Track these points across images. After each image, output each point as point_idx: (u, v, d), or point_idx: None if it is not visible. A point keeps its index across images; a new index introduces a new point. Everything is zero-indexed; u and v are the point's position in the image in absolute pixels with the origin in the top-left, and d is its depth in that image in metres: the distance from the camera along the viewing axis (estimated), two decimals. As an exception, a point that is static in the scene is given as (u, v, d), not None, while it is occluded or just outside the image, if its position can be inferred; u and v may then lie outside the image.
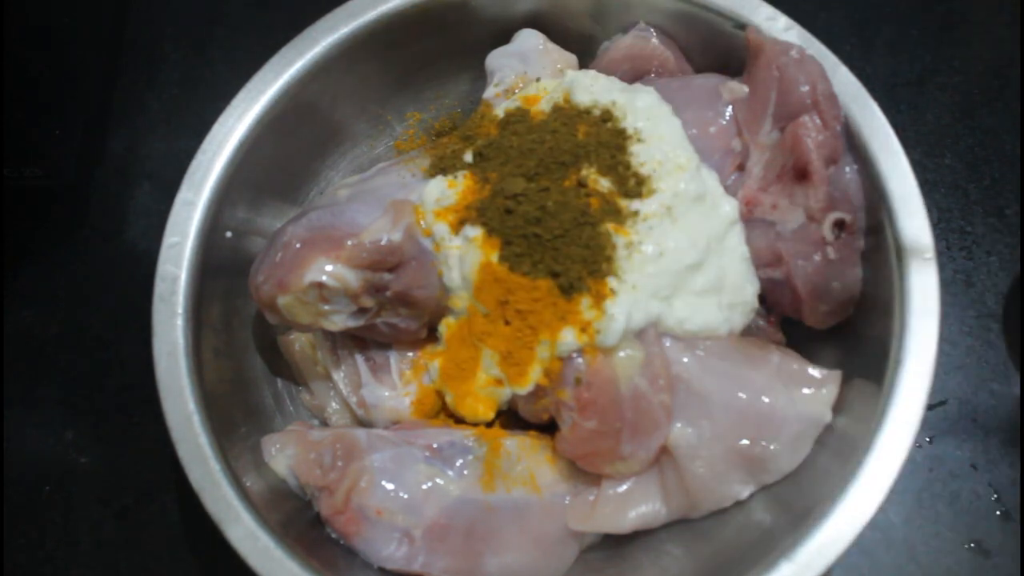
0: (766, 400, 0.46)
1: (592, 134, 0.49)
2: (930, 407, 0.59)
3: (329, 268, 0.47)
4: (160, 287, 0.49)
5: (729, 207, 0.49)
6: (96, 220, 0.68)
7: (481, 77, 0.56)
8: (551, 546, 0.48)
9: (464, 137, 0.52)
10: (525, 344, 0.47)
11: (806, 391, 0.47)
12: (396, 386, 0.52)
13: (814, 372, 0.48)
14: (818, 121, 0.48)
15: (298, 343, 0.55)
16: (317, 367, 0.54)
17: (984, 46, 0.70)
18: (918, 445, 0.58)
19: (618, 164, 0.48)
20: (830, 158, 0.48)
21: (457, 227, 0.49)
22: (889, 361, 0.45)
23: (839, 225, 0.49)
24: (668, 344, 0.47)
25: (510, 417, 0.51)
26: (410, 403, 0.52)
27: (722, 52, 0.54)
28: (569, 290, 0.46)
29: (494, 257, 0.47)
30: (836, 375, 0.48)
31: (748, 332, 0.50)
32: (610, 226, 0.47)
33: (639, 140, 0.49)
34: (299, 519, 0.49)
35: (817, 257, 0.49)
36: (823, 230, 0.48)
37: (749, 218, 0.50)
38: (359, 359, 0.52)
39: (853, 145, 0.49)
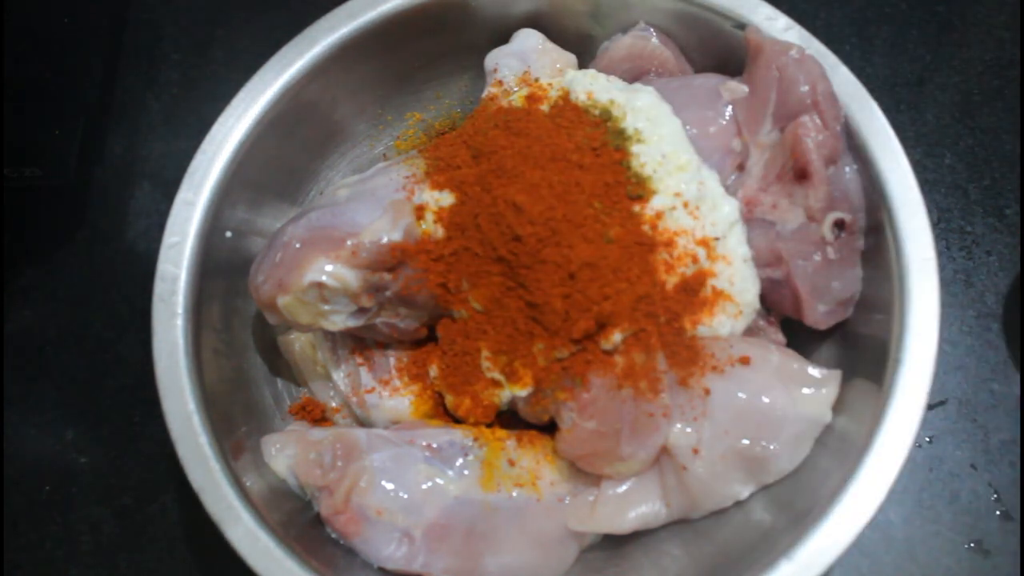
0: (766, 400, 0.47)
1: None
2: (930, 407, 0.59)
3: (329, 268, 0.47)
4: (160, 287, 0.49)
5: (729, 207, 0.49)
6: (96, 220, 0.69)
7: (481, 77, 0.56)
8: (551, 546, 0.48)
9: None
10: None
11: (806, 391, 0.47)
12: (396, 386, 0.52)
13: (814, 372, 0.48)
14: (818, 121, 0.48)
15: (298, 343, 0.55)
16: (317, 367, 0.55)
17: (984, 46, 0.70)
18: (918, 445, 0.58)
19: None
20: (830, 158, 0.48)
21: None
22: (889, 361, 0.45)
23: (839, 225, 0.49)
24: (668, 344, 0.47)
25: (510, 417, 0.51)
26: (410, 403, 0.52)
27: (722, 52, 0.54)
28: (569, 290, 0.45)
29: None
30: (836, 375, 0.48)
31: (748, 332, 0.50)
32: (610, 226, 0.47)
33: (639, 140, 0.49)
34: (299, 519, 0.49)
35: (817, 257, 0.49)
36: (823, 230, 0.48)
37: (749, 218, 0.50)
38: (359, 359, 0.52)
39: (853, 145, 0.49)
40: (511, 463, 0.49)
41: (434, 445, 0.49)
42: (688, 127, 0.50)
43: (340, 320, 0.49)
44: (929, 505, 0.57)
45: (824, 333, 0.51)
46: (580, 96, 0.51)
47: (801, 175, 0.49)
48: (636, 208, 0.47)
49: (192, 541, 0.59)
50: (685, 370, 0.47)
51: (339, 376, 0.53)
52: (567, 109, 0.50)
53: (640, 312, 0.46)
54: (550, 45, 0.56)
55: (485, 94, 0.55)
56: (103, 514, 0.60)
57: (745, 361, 0.47)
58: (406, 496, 0.47)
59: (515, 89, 0.54)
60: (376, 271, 0.48)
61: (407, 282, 0.48)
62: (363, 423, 0.53)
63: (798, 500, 0.46)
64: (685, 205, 0.48)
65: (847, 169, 0.49)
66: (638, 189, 0.47)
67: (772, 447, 0.46)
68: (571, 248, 0.45)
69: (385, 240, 0.48)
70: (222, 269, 0.53)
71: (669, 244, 0.47)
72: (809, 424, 0.47)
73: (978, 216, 0.64)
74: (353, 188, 0.51)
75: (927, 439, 0.59)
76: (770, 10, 0.52)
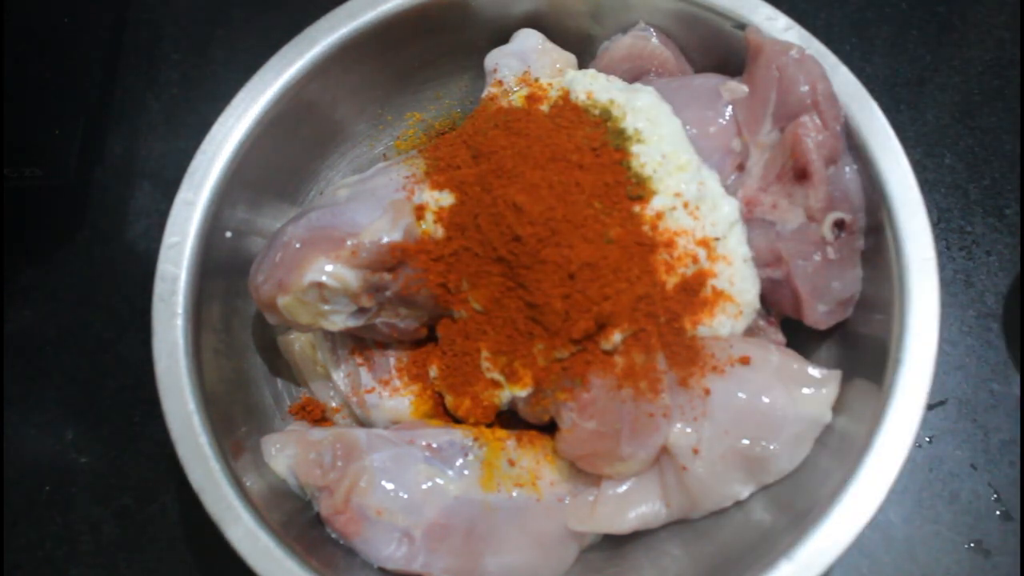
0: (766, 400, 0.47)
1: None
2: (930, 407, 0.59)
3: (329, 268, 0.47)
4: (160, 287, 0.49)
5: (729, 207, 0.49)
6: (96, 220, 0.69)
7: (481, 77, 0.56)
8: (551, 546, 0.48)
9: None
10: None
11: (806, 391, 0.47)
12: (396, 386, 0.52)
13: (814, 372, 0.48)
14: (818, 121, 0.48)
15: (298, 343, 0.55)
16: (317, 367, 0.55)
17: (984, 46, 0.70)
18: (918, 445, 0.58)
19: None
20: (830, 158, 0.48)
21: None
22: (889, 361, 0.45)
23: (839, 225, 0.49)
24: (668, 344, 0.47)
25: (510, 417, 0.51)
26: (410, 403, 0.52)
27: (722, 52, 0.54)
28: (569, 290, 0.45)
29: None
30: (836, 375, 0.48)
31: (748, 332, 0.50)
32: (610, 226, 0.47)
33: (639, 140, 0.49)
34: (299, 519, 0.49)
35: (817, 257, 0.49)
36: (823, 230, 0.48)
37: (749, 218, 0.50)
38: (359, 359, 0.52)
39: (853, 145, 0.49)
40: (511, 463, 0.49)
41: (434, 445, 0.49)
42: (688, 127, 0.50)
43: (340, 320, 0.49)
44: (929, 505, 0.57)
45: (824, 333, 0.51)
46: (580, 96, 0.51)
47: (801, 175, 0.49)
48: (636, 208, 0.47)
49: (192, 541, 0.59)
50: (685, 370, 0.47)
51: (339, 376, 0.53)
52: (567, 109, 0.50)
53: (640, 312, 0.46)
54: (550, 45, 0.56)
55: (485, 94, 0.55)
56: (103, 514, 0.60)
57: (745, 361, 0.47)
58: (406, 496, 0.47)
59: (515, 89, 0.54)
60: (376, 271, 0.48)
61: (407, 282, 0.48)
62: (363, 423, 0.53)
63: (798, 500, 0.46)
64: (685, 205, 0.48)
65: (847, 169, 0.49)
66: (638, 189, 0.47)
67: (772, 447, 0.47)
68: (571, 248, 0.45)
69: (385, 240, 0.48)
70: (222, 269, 0.53)
71: (669, 244, 0.47)
72: (809, 424, 0.47)
73: (978, 216, 0.64)
74: (353, 188, 0.51)
75: (927, 439, 0.59)
76: (770, 10, 0.52)
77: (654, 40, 0.55)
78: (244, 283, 0.50)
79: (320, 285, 0.47)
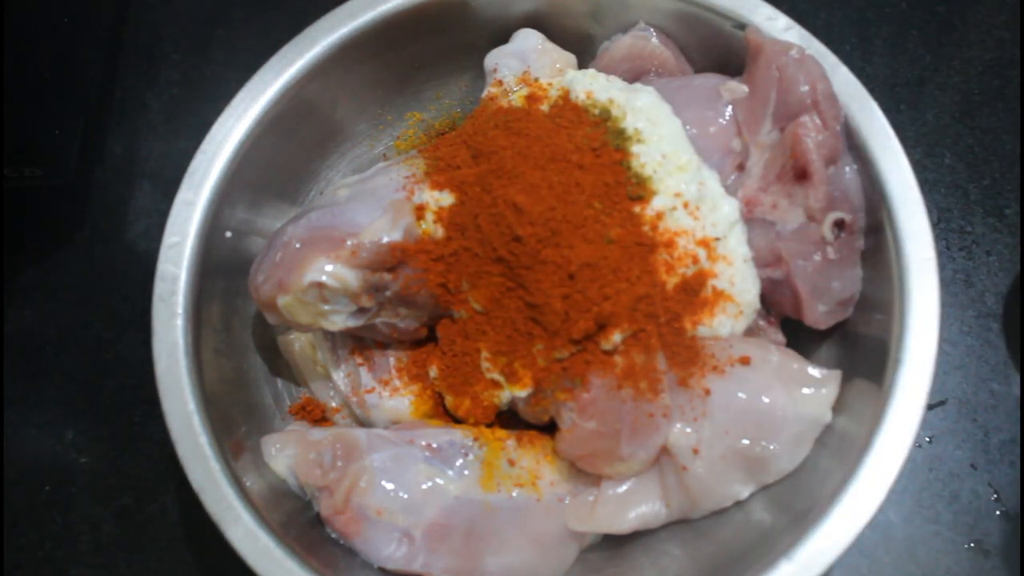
0: (766, 400, 0.47)
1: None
2: (930, 407, 0.59)
3: (329, 268, 0.47)
4: (160, 287, 0.49)
5: (729, 207, 0.49)
6: (96, 220, 0.69)
7: (481, 77, 0.56)
8: (551, 546, 0.48)
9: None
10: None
11: (806, 391, 0.47)
12: (396, 386, 0.52)
13: (814, 372, 0.48)
14: (818, 121, 0.48)
15: (298, 343, 0.55)
16: (317, 367, 0.55)
17: (984, 46, 0.70)
18: (918, 445, 0.58)
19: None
20: (830, 158, 0.48)
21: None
22: (889, 361, 0.45)
23: (839, 225, 0.49)
24: (668, 344, 0.47)
25: (510, 417, 0.51)
26: (410, 403, 0.52)
27: (722, 52, 0.54)
28: (569, 290, 0.45)
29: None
30: (836, 375, 0.48)
31: (748, 332, 0.50)
32: (610, 226, 0.47)
33: (639, 140, 0.49)
34: (299, 519, 0.49)
35: (817, 257, 0.49)
36: (823, 230, 0.48)
37: (749, 218, 0.50)
38: (359, 359, 0.52)
39: (853, 145, 0.49)
40: (511, 463, 0.49)
41: (434, 445, 0.49)
42: (688, 127, 0.50)
43: (340, 320, 0.49)
44: (929, 505, 0.57)
45: (824, 333, 0.51)
46: (580, 96, 0.51)
47: (801, 175, 0.49)
48: (636, 209, 0.47)
49: (192, 541, 0.59)
50: (685, 370, 0.47)
51: (339, 376, 0.53)
52: (567, 109, 0.50)
53: (640, 312, 0.46)
54: (550, 45, 0.56)
55: (485, 94, 0.55)
56: (103, 514, 0.60)
57: (745, 361, 0.47)
58: (406, 496, 0.47)
59: (515, 89, 0.54)
60: (376, 271, 0.48)
61: (407, 282, 0.49)
62: (363, 423, 0.53)
63: (798, 500, 0.46)
64: (685, 205, 0.48)
65: (847, 169, 0.49)
66: (638, 189, 0.47)
67: (772, 447, 0.47)
68: (571, 248, 0.45)
69: (385, 240, 0.48)
70: (222, 269, 0.53)
71: (669, 244, 0.47)
72: (809, 424, 0.47)
73: (978, 216, 0.64)
74: (353, 188, 0.51)
75: (927, 439, 0.59)
76: (770, 10, 0.52)
77: (654, 40, 0.55)
78: (244, 283, 0.50)
79: (320, 285, 0.47)
